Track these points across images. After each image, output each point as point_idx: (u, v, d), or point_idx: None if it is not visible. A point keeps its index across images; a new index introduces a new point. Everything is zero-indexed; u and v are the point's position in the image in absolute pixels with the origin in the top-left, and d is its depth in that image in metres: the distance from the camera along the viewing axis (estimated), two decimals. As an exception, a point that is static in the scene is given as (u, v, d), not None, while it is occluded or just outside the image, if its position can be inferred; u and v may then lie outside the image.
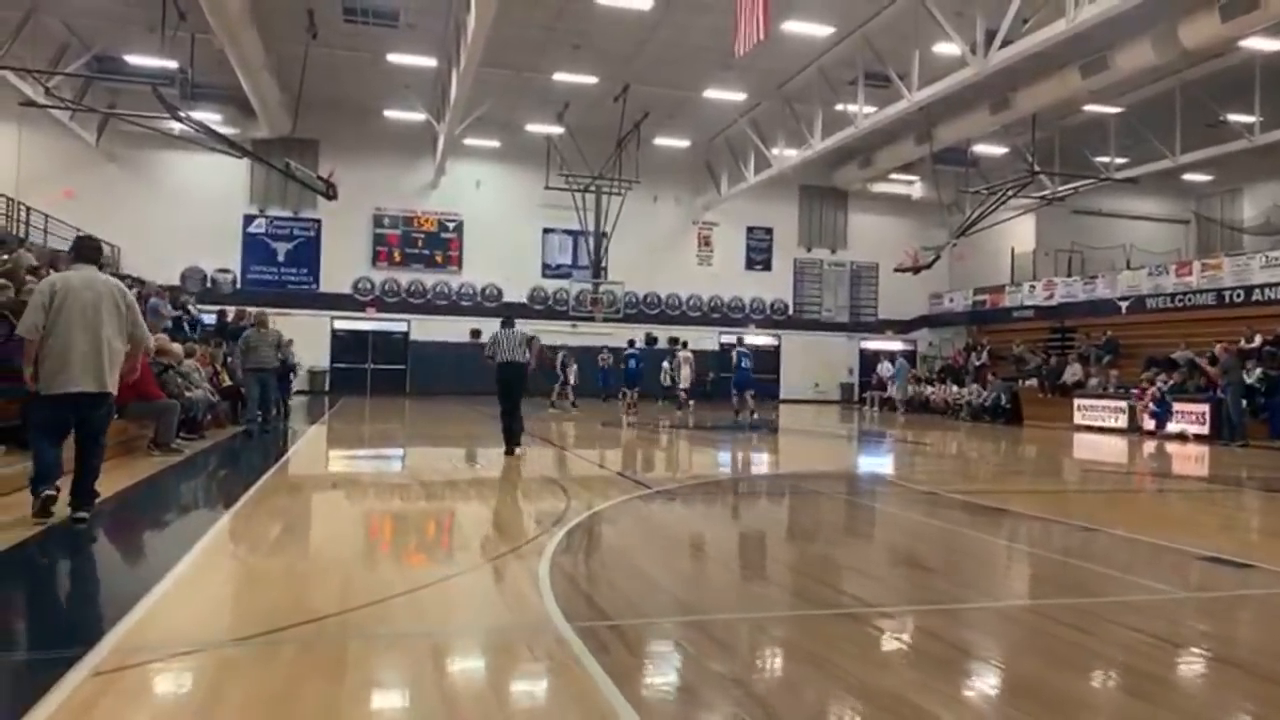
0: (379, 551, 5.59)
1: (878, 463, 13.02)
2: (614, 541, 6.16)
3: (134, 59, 21.23)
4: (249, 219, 27.27)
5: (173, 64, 19.69)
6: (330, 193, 21.45)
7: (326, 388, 27.05)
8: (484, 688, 3.08)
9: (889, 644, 3.77)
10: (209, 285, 26.10)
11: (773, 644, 3.73)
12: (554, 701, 3.06)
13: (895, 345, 31.57)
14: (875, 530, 7.31)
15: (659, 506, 7.50)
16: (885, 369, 28.31)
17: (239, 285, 26.68)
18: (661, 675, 3.25)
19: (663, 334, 26.72)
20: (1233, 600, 4.86)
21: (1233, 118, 21.63)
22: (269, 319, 12.87)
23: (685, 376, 20.30)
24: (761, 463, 12.34)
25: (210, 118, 21.17)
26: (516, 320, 11.24)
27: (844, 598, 4.72)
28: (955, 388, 25.01)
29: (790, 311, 31.82)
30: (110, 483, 7.34)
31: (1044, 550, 6.24)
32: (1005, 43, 16.13)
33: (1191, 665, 3.67)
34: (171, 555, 4.90)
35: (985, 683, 3.36)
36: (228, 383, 13.57)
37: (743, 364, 19.41)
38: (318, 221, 27.53)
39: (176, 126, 18.89)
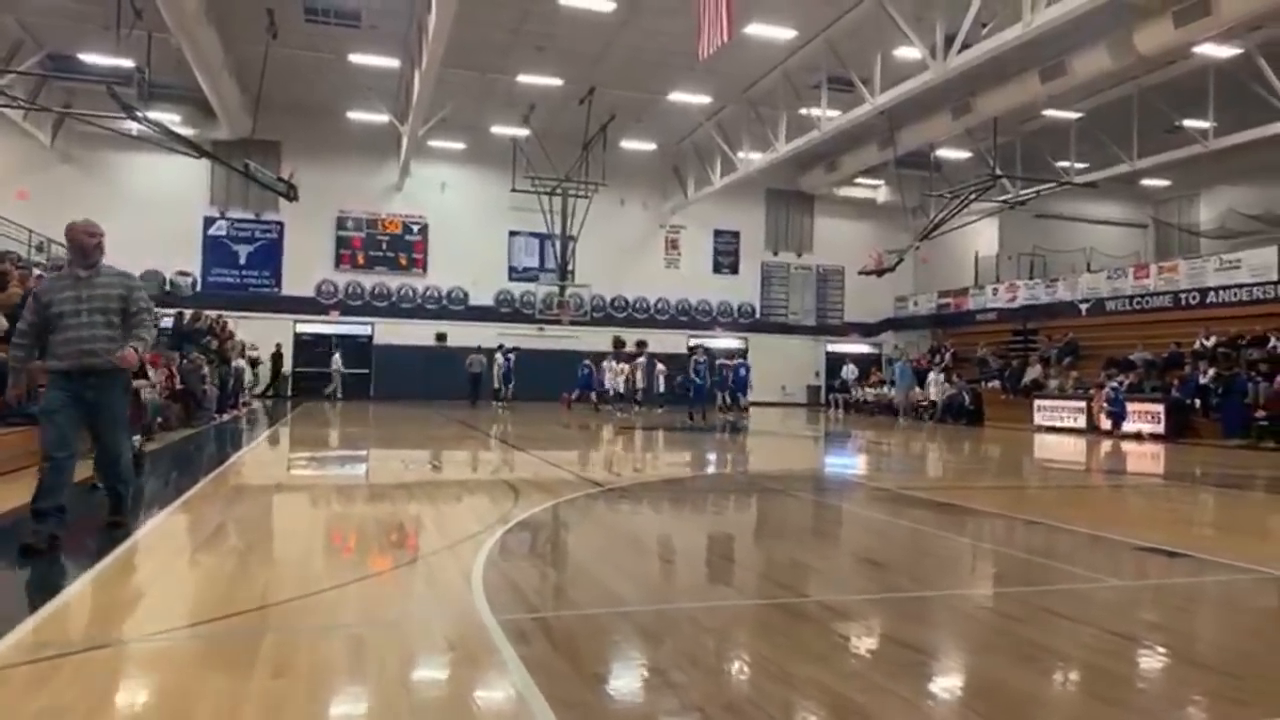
0: (314, 549, 5.48)
1: (835, 462, 13.05)
2: (556, 538, 6.10)
3: (89, 58, 20.84)
4: (209, 221, 26.84)
5: (129, 63, 19.38)
6: (291, 194, 21.22)
7: (290, 392, 26.69)
8: (393, 678, 3.00)
9: (822, 635, 3.73)
10: (168, 289, 25.57)
11: (702, 634, 3.68)
12: (463, 689, 2.99)
13: (862, 348, 31.79)
14: (822, 525, 7.30)
15: (607, 505, 7.43)
16: (849, 371, 28.60)
17: (199, 288, 26.25)
18: (578, 664, 3.18)
19: (630, 337, 26.66)
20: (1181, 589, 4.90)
21: (1189, 123, 21.99)
22: (84, 231, 5.20)
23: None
24: (722, 462, 12.31)
25: (169, 118, 20.85)
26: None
27: (781, 590, 4.69)
28: (918, 389, 25.19)
29: (757, 314, 31.88)
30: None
31: (991, 544, 6.25)
32: (964, 46, 16.31)
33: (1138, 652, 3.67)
34: (94, 556, 4.76)
35: (914, 668, 3.33)
36: (180, 385, 13.48)
37: (740, 372, 23.37)
38: (280, 224, 27.15)
39: (134, 127, 18.53)
